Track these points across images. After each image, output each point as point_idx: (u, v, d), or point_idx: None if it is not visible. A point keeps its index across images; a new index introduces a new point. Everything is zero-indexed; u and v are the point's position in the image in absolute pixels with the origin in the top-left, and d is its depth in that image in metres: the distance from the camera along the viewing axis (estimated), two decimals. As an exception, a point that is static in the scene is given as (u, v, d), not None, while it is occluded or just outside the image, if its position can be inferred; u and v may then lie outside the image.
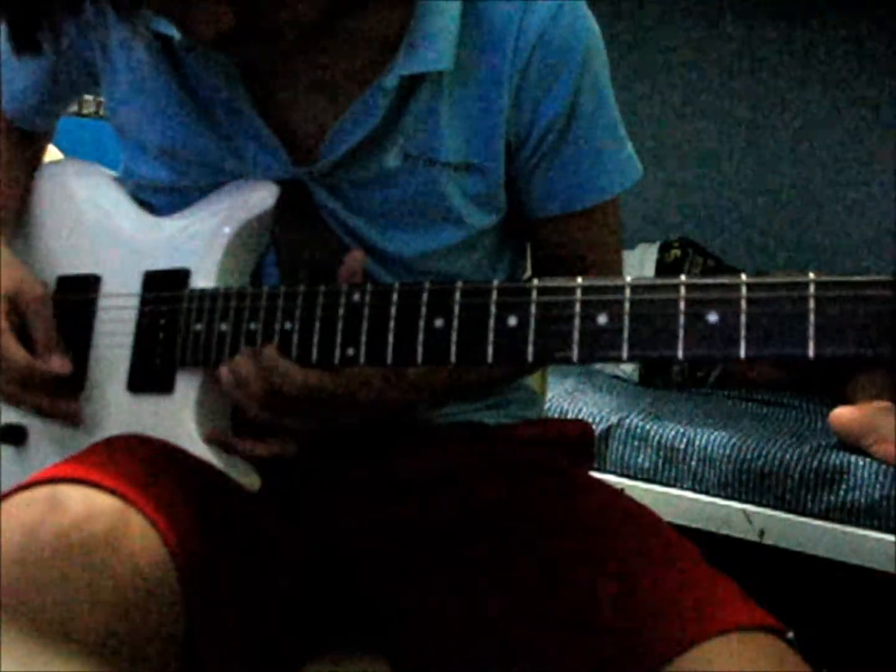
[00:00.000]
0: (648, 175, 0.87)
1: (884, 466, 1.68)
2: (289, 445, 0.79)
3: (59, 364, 0.82)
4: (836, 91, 2.43)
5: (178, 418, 0.79)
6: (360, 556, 0.82)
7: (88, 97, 2.26)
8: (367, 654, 0.81)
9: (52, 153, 1.03)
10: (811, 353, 0.54)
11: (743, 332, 0.56)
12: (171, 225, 0.85)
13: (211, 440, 0.79)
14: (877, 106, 2.40)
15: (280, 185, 0.82)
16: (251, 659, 0.71)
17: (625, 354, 0.60)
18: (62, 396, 0.84)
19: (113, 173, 0.93)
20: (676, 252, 2.24)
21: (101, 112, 0.85)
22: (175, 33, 0.78)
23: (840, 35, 2.40)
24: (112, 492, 0.65)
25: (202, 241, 0.82)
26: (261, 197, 0.82)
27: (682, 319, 0.58)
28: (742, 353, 0.56)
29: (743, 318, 0.57)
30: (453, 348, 0.66)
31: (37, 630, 0.59)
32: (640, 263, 2.22)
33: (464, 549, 0.78)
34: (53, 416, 0.84)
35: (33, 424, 0.87)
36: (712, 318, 0.57)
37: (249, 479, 0.79)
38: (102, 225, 0.89)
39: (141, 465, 0.71)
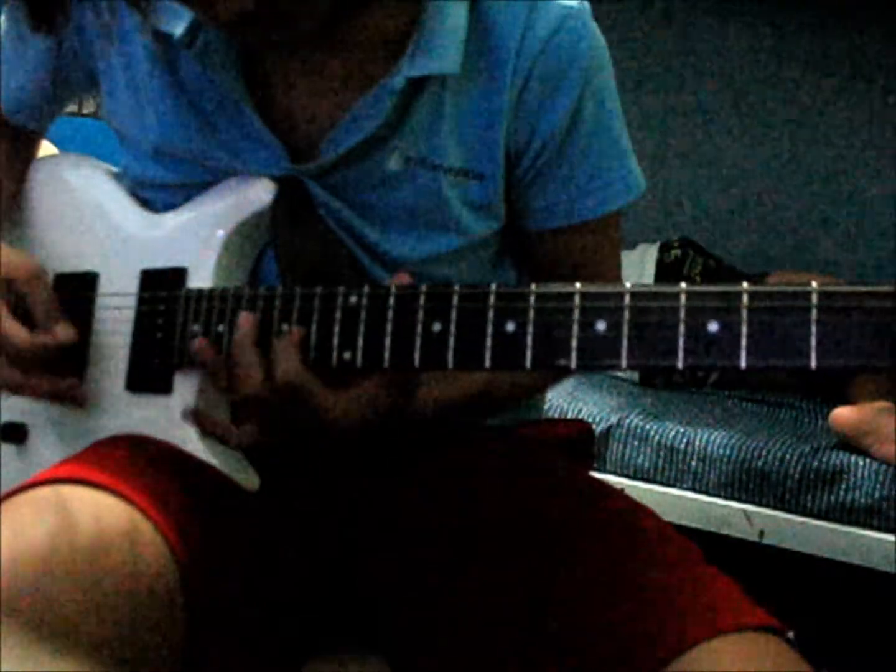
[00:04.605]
0: (649, 175, 0.86)
1: (884, 466, 1.67)
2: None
3: (63, 333, 0.80)
4: (837, 91, 2.43)
5: (176, 419, 0.79)
6: (360, 557, 0.82)
7: (88, 97, 2.26)
8: (367, 654, 0.81)
9: (51, 152, 1.03)
10: (813, 364, 0.53)
11: (744, 342, 0.55)
12: (168, 222, 0.85)
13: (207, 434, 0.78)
14: (879, 106, 2.39)
15: (277, 182, 0.81)
16: (251, 659, 0.71)
17: (624, 362, 0.59)
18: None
19: (109, 167, 0.92)
20: (676, 252, 2.23)
21: (101, 112, 0.85)
22: (175, 31, 0.78)
23: (843, 38, 2.40)
24: (121, 496, 0.65)
25: (199, 238, 0.82)
26: (257, 194, 0.81)
27: (682, 328, 0.57)
28: (743, 364, 0.55)
29: (744, 328, 0.56)
30: (450, 353, 0.65)
31: (40, 633, 0.59)
32: (640, 263, 2.21)
33: (463, 550, 0.78)
34: (57, 398, 0.82)
35: (34, 423, 0.87)
36: (713, 327, 0.56)
37: (249, 479, 0.79)
38: (99, 220, 0.89)
39: (144, 466, 0.71)
